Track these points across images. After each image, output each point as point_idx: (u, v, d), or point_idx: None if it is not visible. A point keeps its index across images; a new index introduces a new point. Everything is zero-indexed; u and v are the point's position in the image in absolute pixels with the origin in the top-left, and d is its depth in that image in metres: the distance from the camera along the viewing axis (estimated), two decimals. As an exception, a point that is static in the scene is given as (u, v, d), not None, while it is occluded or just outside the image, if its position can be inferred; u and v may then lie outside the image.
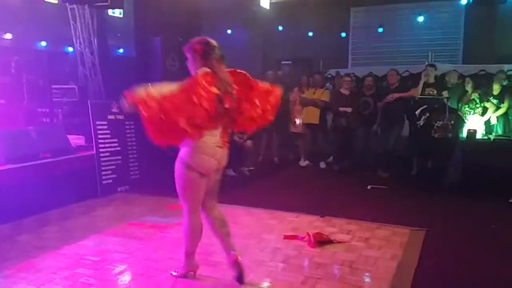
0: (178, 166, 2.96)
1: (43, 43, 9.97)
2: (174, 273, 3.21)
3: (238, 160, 7.04)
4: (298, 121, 7.79)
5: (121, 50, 11.33)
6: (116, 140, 5.75)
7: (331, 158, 7.70)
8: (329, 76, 9.30)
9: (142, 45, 7.65)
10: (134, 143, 5.96)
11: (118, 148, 5.77)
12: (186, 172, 2.92)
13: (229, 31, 10.75)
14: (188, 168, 2.91)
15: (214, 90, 2.75)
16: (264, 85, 3.16)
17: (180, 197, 3.03)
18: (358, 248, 3.82)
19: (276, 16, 9.92)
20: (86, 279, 3.17)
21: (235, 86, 2.96)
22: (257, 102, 3.08)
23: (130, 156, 5.91)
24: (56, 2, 8.61)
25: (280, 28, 10.85)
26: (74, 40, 7.88)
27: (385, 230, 4.28)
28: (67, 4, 7.61)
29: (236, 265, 3.07)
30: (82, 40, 7.82)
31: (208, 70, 2.82)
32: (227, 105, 2.87)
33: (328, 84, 8.62)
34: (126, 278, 3.25)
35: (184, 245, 3.12)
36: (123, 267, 3.41)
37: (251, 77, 3.10)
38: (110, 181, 5.63)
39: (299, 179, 6.95)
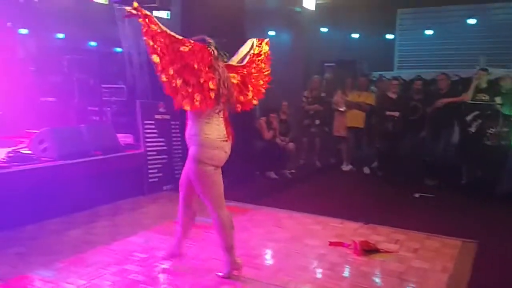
0: (191, 166, 3.03)
1: (94, 43, 10.29)
2: (220, 274, 3.22)
3: (280, 163, 7.02)
4: (342, 109, 7.59)
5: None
6: (162, 139, 5.85)
7: (375, 164, 7.54)
8: (374, 79, 9.11)
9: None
10: (179, 143, 6.03)
11: (164, 147, 5.87)
12: (201, 167, 2.99)
13: (272, 33, 10.72)
14: (201, 163, 2.98)
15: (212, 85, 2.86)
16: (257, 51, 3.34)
17: (203, 196, 3.09)
18: (407, 258, 3.70)
19: (320, 18, 9.81)
20: (134, 276, 3.23)
21: (236, 76, 3.12)
22: (254, 74, 3.26)
23: (175, 155, 6.00)
24: (106, 2, 8.86)
25: (324, 29, 10.73)
26: (122, 40, 8.08)
27: (434, 241, 4.14)
28: (115, 4, 7.81)
29: (183, 256, 3.39)
30: (129, 41, 8.01)
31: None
32: (223, 100, 2.97)
33: (373, 87, 8.44)
34: (173, 277, 3.29)
35: (221, 242, 3.15)
36: (170, 265, 3.46)
37: (243, 64, 3.24)
38: (156, 179, 5.74)
39: (341, 184, 6.85)
